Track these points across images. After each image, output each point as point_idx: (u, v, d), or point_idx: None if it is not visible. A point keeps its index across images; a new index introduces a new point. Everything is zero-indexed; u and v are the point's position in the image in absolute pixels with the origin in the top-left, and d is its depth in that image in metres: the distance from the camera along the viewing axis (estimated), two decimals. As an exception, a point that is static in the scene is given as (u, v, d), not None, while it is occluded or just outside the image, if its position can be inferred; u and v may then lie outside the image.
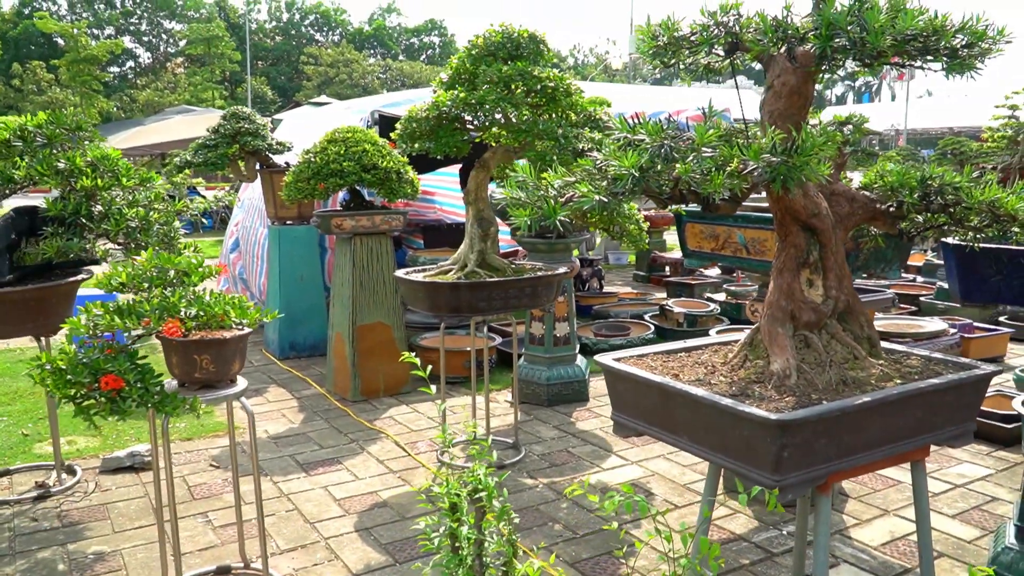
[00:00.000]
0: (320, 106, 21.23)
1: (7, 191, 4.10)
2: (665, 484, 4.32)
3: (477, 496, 2.44)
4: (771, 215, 3.66)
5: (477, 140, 4.48)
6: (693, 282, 8.91)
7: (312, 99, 25.27)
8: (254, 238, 8.52)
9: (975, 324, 7.03)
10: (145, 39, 53.32)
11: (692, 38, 2.47)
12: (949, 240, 3.04)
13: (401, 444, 4.95)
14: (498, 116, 4.24)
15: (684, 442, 2.44)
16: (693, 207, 3.86)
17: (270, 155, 7.03)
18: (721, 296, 8.41)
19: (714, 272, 9.99)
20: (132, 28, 52.53)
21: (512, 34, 4.31)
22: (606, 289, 9.58)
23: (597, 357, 2.74)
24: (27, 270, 4.14)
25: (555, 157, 4.12)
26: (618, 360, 2.72)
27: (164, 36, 53.55)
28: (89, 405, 2.67)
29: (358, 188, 5.88)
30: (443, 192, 9.48)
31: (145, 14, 52.56)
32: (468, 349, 6.13)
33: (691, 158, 2.04)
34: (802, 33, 2.20)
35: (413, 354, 2.47)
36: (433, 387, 2.35)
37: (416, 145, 4.24)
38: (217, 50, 45.48)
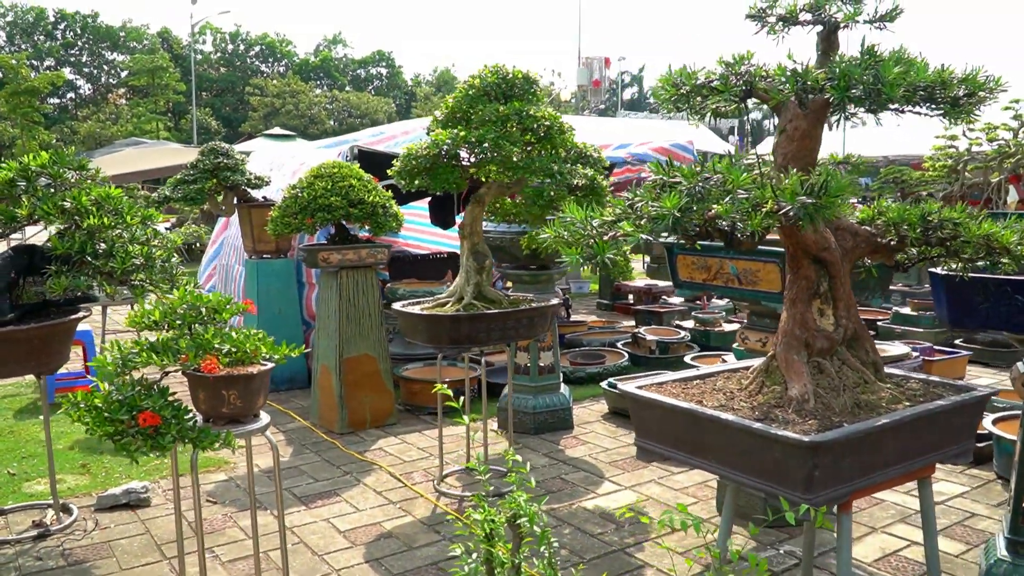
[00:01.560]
0: (278, 138, 21.32)
1: (8, 229, 4.11)
2: (660, 508, 4.45)
3: (517, 522, 2.55)
4: (761, 248, 3.87)
5: (471, 175, 4.62)
6: (661, 310, 9.13)
7: (267, 131, 25.25)
8: (231, 276, 8.53)
9: (935, 347, 7.34)
10: (86, 70, 52.57)
11: (711, 86, 2.65)
12: (937, 270, 3.26)
13: (396, 475, 5.01)
14: (492, 154, 4.38)
15: (713, 465, 2.59)
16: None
17: (248, 189, 7.08)
18: (690, 323, 8.64)
19: (678, 300, 10.23)
20: (73, 59, 51.77)
21: (506, 75, 4.47)
22: (574, 318, 9.75)
23: (621, 385, 2.87)
24: (25, 308, 4.15)
25: (552, 192, 4.29)
26: (641, 388, 2.86)
27: (106, 67, 52.88)
28: (128, 442, 2.72)
29: (343, 222, 5.96)
30: (407, 225, 9.59)
31: (87, 45, 51.88)
32: (448, 380, 6.23)
33: (727, 199, 2.20)
34: (821, 84, 2.38)
35: (446, 384, 2.59)
36: (449, 414, 2.46)
37: (416, 182, 4.36)
38: (161, 81, 45.10)
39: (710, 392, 2.85)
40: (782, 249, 3.72)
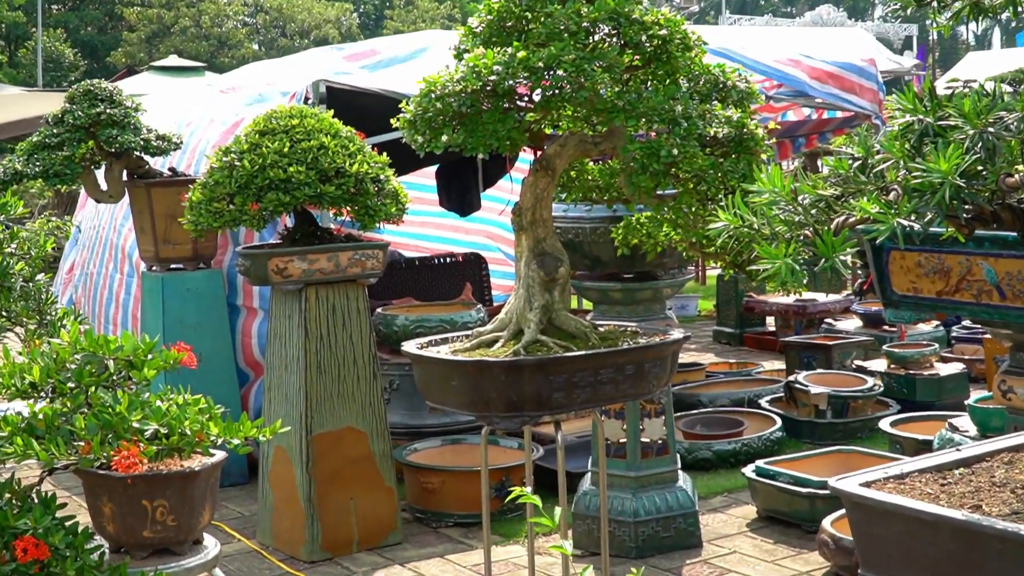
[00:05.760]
0: (177, 73, 21.43)
1: None
2: None
3: None
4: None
5: (530, 125, 4.50)
6: (827, 342, 8.97)
7: (157, 62, 25.36)
8: (106, 291, 8.48)
9: None
10: None
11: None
12: None
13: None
14: (571, 87, 4.24)
15: (1008, 621, 2.44)
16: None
17: (145, 158, 7.00)
18: (878, 363, 8.48)
19: (852, 325, 10.09)
20: None
21: (590, -46, 4.35)
22: (682, 358, 9.62)
23: (835, 484, 2.73)
24: None
25: (675, 149, 4.15)
26: (868, 485, 2.72)
27: None
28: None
29: (308, 208, 5.88)
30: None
31: None
32: (493, 468, 6.10)
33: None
34: None
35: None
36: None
37: (443, 137, 4.24)
38: (-12, -9, 45.63)
39: (988, 489, 2.71)
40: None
